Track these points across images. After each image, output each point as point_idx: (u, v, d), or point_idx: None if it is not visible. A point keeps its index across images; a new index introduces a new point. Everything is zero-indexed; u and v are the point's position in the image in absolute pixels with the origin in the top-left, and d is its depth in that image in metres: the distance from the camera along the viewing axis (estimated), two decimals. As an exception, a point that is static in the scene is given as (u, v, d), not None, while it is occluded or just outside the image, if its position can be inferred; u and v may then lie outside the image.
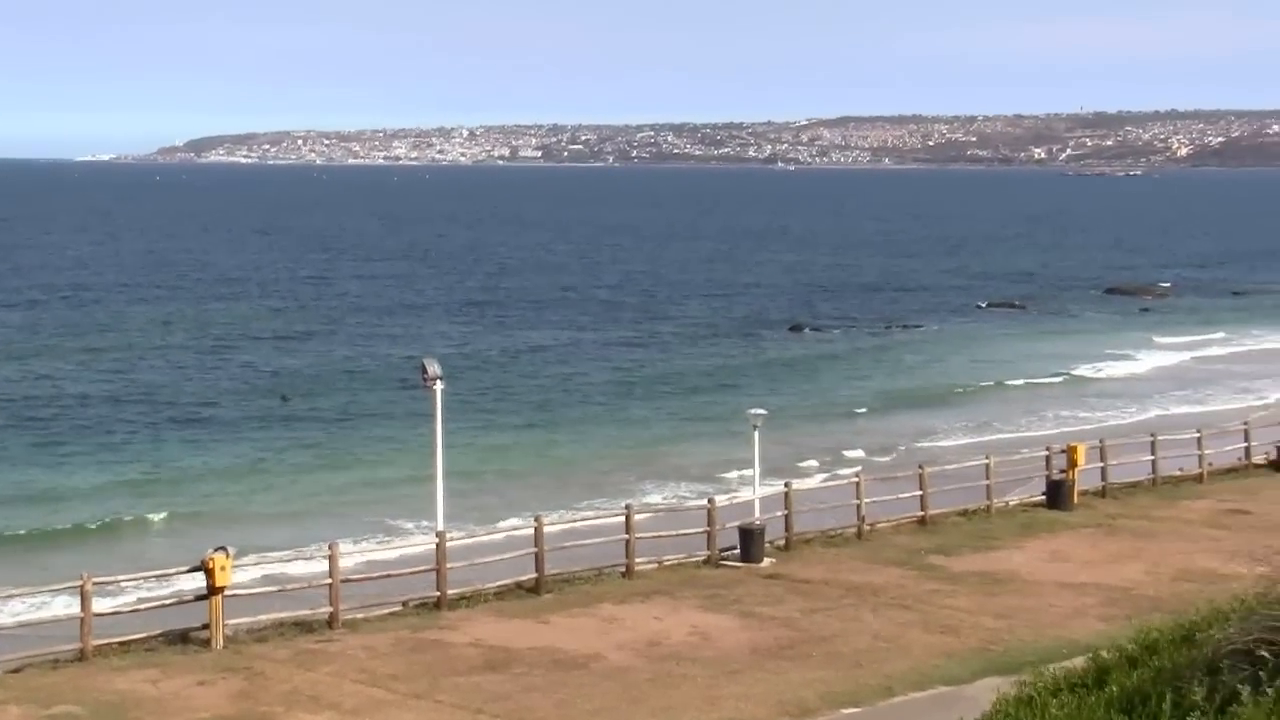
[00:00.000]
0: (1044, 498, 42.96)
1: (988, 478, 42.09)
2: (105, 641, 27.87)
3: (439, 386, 33.96)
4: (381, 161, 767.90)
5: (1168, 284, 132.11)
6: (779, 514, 37.43)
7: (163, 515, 46.23)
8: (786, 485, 38.63)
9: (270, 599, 30.96)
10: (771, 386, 71.81)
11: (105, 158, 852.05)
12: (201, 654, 27.98)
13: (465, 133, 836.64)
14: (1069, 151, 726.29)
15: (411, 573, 31.99)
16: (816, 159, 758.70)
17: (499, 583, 32.62)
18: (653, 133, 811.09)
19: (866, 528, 38.84)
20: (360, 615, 30.66)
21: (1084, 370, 79.93)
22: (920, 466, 42.02)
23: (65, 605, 30.00)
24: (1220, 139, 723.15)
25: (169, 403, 65.49)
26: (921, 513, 40.26)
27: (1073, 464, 43.06)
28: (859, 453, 56.16)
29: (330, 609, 30.01)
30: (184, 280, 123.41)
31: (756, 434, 37.61)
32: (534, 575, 32.84)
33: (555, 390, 71.32)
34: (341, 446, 56.93)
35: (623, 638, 29.35)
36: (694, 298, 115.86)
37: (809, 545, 37.45)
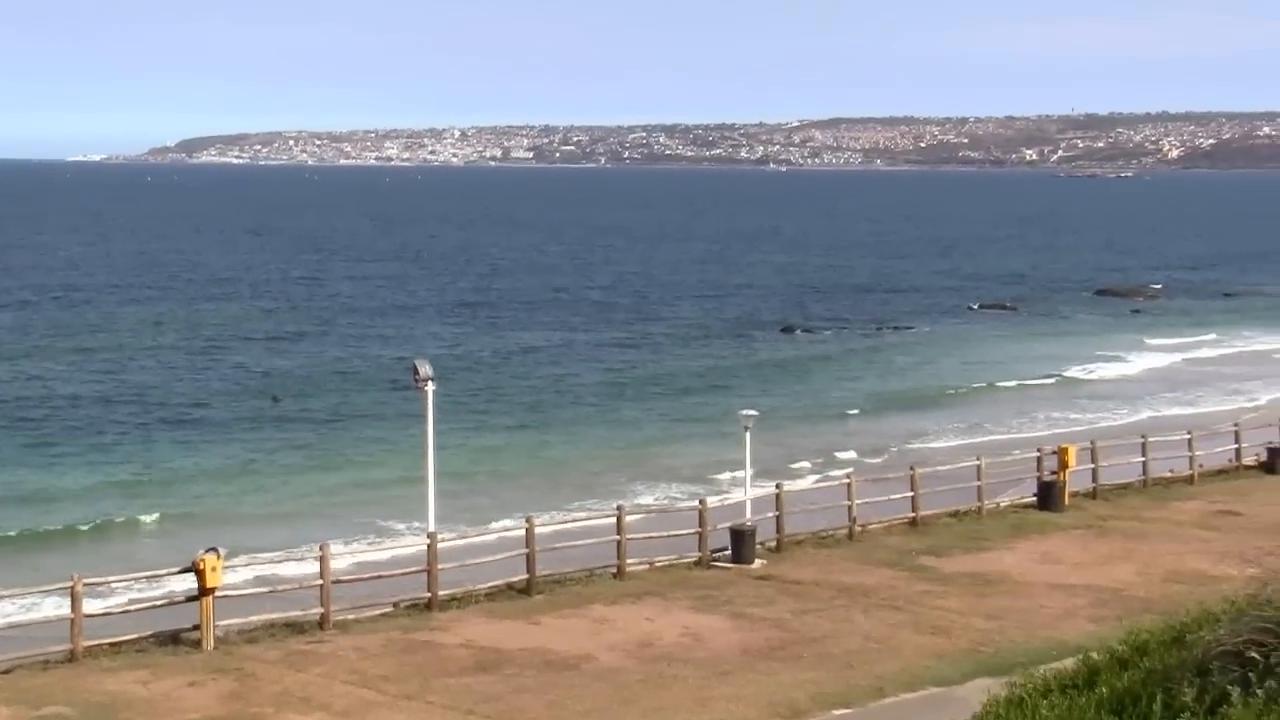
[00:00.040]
0: (1035, 499, 43.01)
1: (979, 479, 42.13)
2: (96, 642, 27.84)
3: (430, 387, 33.96)
4: (373, 162, 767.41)
5: (1159, 285, 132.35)
6: (770, 515, 37.45)
7: (154, 516, 46.19)
8: (778, 486, 38.66)
9: (261, 600, 30.97)
10: (763, 388, 71.85)
11: (96, 158, 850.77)
12: (192, 655, 27.95)
13: (457, 133, 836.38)
14: (1060, 153, 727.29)
15: (403, 574, 31.99)
16: (808, 160, 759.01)
17: (490, 584, 32.62)
18: (645, 134, 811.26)
19: (858, 529, 38.86)
20: (351, 616, 30.65)
21: (1075, 372, 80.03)
22: (911, 468, 42.09)
23: (56, 606, 29.95)
24: (1211, 141, 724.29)
25: (160, 403, 65.43)
26: (913, 514, 40.29)
27: (1064, 465, 43.14)
28: (850, 454, 56.19)
29: (321, 610, 29.99)
30: (175, 281, 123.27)
31: (748, 435, 37.64)
32: (525, 576, 32.84)
33: (547, 391, 71.32)
34: (333, 447, 56.89)
35: (614, 639, 29.36)
36: (686, 299, 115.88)
37: (800, 546, 37.46)
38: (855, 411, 66.93)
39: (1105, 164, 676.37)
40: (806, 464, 53.96)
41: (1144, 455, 46.38)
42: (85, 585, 27.92)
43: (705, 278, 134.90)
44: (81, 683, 26.20)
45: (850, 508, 38.87)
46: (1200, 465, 48.09)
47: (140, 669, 27.03)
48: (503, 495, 48.91)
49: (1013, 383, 75.81)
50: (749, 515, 36.89)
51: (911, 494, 40.39)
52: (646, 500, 47.80)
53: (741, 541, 35.62)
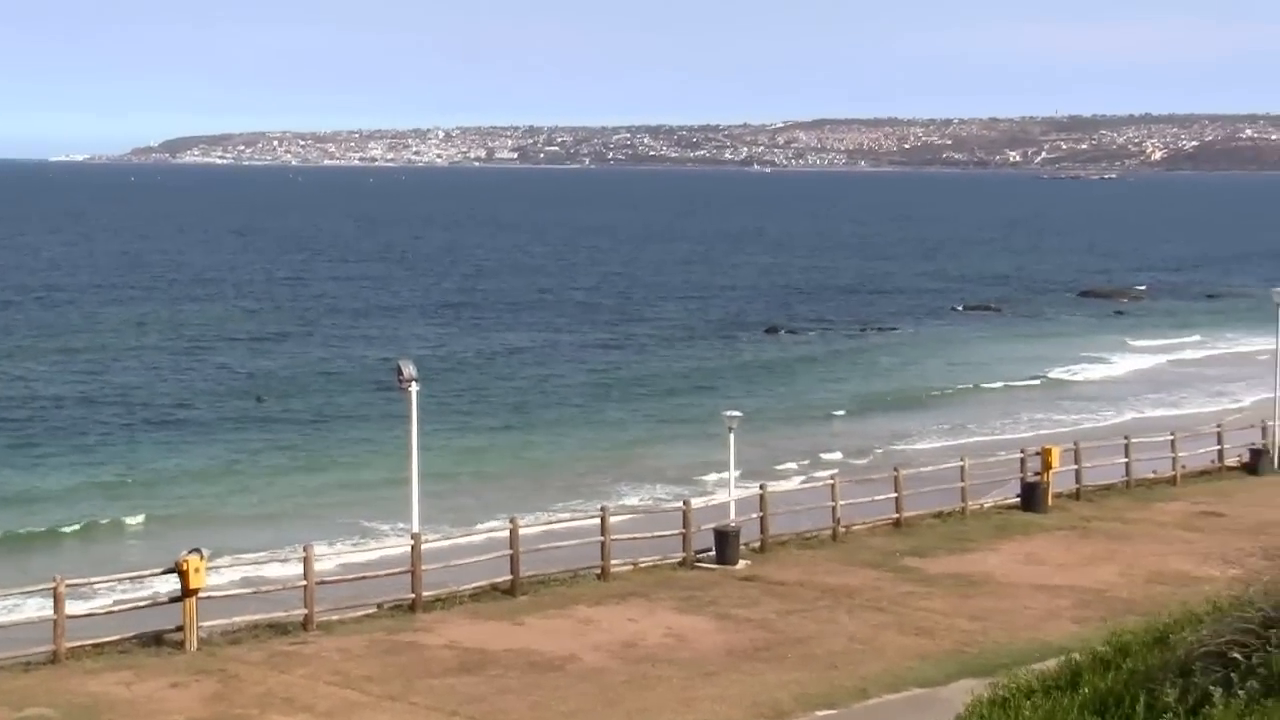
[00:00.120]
0: (1019, 500, 43.09)
1: (963, 480, 42.20)
2: (79, 644, 27.79)
3: (415, 388, 33.90)
4: (357, 162, 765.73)
5: (1143, 287, 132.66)
6: (754, 516, 37.49)
7: (138, 517, 46.08)
8: (762, 487, 38.70)
9: (245, 601, 30.95)
10: (748, 389, 71.90)
11: (79, 158, 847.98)
12: (175, 656, 27.91)
13: (441, 134, 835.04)
14: (1044, 155, 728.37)
15: (387, 575, 31.98)
16: (792, 161, 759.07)
17: (474, 585, 32.63)
18: (629, 134, 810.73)
19: (842, 530, 38.92)
20: (335, 617, 30.63)
21: (1059, 373, 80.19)
22: (896, 469, 42.17)
23: (38, 607, 29.86)
24: (1194, 143, 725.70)
25: (144, 404, 65.29)
26: (897, 515, 40.36)
27: (1047, 466, 43.24)
28: (835, 455, 56.26)
29: (305, 611, 29.96)
30: (159, 281, 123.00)
31: (732, 436, 37.66)
32: (509, 577, 32.84)
33: (531, 392, 71.30)
34: (317, 448, 56.83)
35: (598, 639, 29.37)
36: (670, 300, 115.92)
37: (784, 547, 37.50)
38: (839, 412, 67.02)
39: (1089, 166, 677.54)
40: (791, 465, 54.01)
41: (1127, 456, 46.50)
42: (68, 586, 27.87)
43: (690, 279, 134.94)
44: (64, 684, 26.14)
45: (834, 509, 38.92)
46: (1183, 466, 48.23)
47: (123, 670, 26.98)
48: (487, 496, 48.90)
49: (997, 384, 75.94)
50: (733, 516, 36.91)
51: (896, 495, 40.46)
52: (631, 501, 47.82)
53: (726, 542, 35.65)
